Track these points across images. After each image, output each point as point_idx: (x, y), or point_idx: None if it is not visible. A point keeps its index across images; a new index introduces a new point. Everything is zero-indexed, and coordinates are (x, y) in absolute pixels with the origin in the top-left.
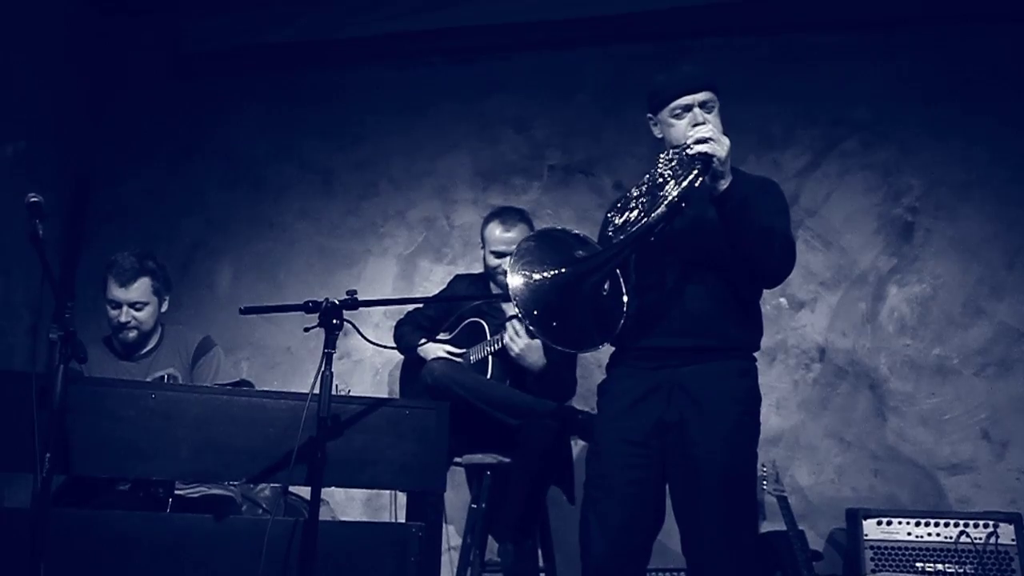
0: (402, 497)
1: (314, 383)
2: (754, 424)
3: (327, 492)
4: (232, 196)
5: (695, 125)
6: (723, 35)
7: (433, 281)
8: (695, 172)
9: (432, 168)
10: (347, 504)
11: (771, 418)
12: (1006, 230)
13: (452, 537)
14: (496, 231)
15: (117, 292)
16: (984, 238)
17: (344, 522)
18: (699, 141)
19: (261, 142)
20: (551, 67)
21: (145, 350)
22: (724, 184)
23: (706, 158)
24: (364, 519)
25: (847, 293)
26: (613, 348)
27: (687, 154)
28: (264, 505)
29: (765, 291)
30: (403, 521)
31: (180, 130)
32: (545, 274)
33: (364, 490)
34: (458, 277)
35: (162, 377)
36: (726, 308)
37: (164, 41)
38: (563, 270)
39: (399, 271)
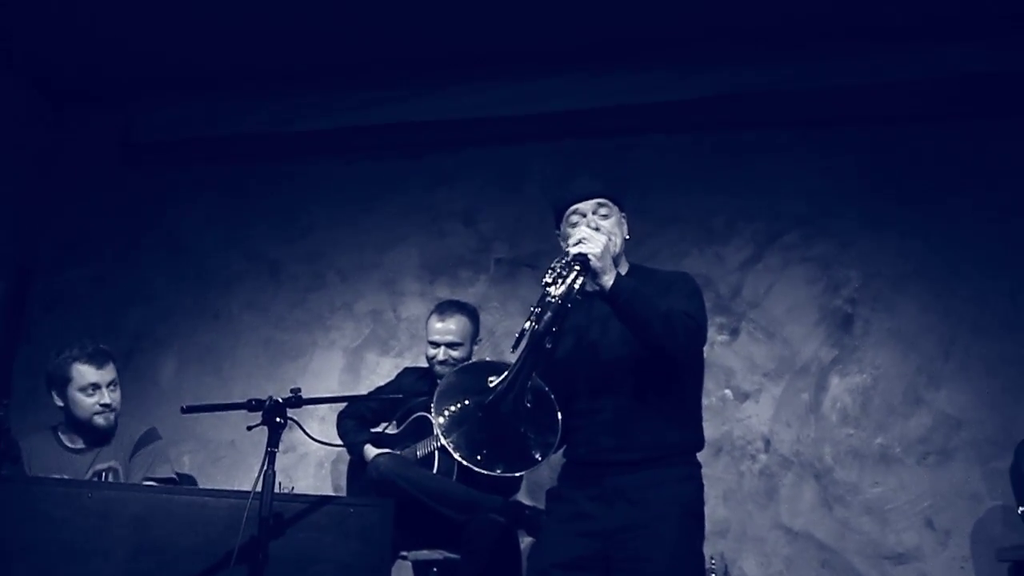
0: None
1: (256, 481)
2: (698, 526)
3: None
4: (178, 286)
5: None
6: (665, 132)
7: (380, 374)
8: (575, 272)
9: (380, 261)
10: None
11: (718, 510)
12: (941, 320)
13: None
14: (433, 322)
15: (95, 375)
16: (921, 329)
17: None
18: (576, 243)
19: (208, 233)
20: (498, 162)
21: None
22: (608, 279)
23: (582, 257)
24: None
25: (790, 384)
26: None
27: (567, 258)
28: None
29: (709, 383)
30: None
31: (126, 219)
32: (460, 407)
33: None
34: (406, 370)
35: (102, 471)
36: (655, 415)
37: (113, 130)
38: (476, 400)
39: (346, 363)
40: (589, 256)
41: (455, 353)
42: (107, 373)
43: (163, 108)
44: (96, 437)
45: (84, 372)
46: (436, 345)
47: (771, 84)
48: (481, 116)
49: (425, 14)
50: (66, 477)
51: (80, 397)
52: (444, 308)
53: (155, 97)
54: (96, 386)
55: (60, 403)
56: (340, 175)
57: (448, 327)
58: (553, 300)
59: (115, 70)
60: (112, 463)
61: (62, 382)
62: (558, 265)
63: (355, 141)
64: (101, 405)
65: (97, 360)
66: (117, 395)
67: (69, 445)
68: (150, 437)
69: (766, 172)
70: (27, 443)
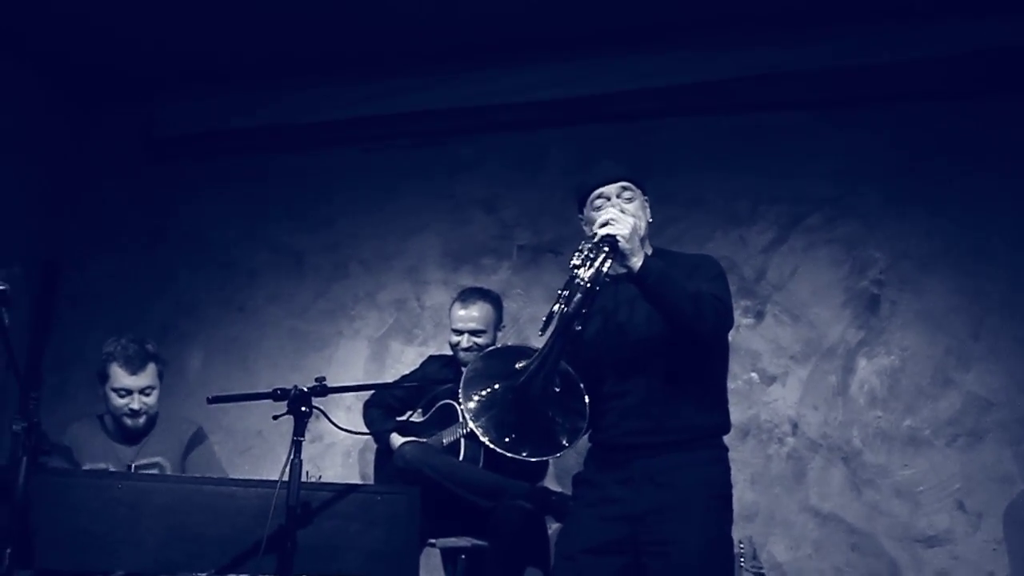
0: None
1: (283, 470)
2: (727, 509)
3: None
4: (202, 279)
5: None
6: (687, 115)
7: (404, 363)
8: (603, 255)
9: (402, 250)
10: None
11: (746, 494)
12: (970, 301)
13: None
14: (456, 310)
15: (127, 380)
16: (949, 309)
17: None
18: (603, 225)
19: (231, 225)
20: (519, 148)
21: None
22: (636, 261)
23: (611, 239)
24: None
25: (817, 366)
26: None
27: (594, 240)
28: None
29: (735, 367)
30: None
31: (150, 214)
32: (489, 392)
33: None
34: (431, 358)
35: (147, 466)
36: (683, 398)
37: (135, 126)
38: (505, 384)
39: (370, 353)
40: (618, 237)
41: (479, 340)
42: (141, 379)
43: (184, 102)
44: (135, 432)
45: (118, 375)
46: (459, 332)
47: (794, 64)
48: (501, 103)
49: (443, 1)
50: (110, 468)
51: (113, 396)
52: (467, 295)
53: (176, 92)
54: (127, 391)
55: (101, 394)
56: (361, 165)
57: (471, 314)
58: (582, 283)
59: (136, 67)
60: (158, 459)
61: (101, 377)
62: (586, 247)
63: (375, 130)
64: (129, 409)
65: (132, 365)
66: (151, 399)
67: (115, 435)
68: (200, 437)
69: (790, 153)
70: (73, 430)
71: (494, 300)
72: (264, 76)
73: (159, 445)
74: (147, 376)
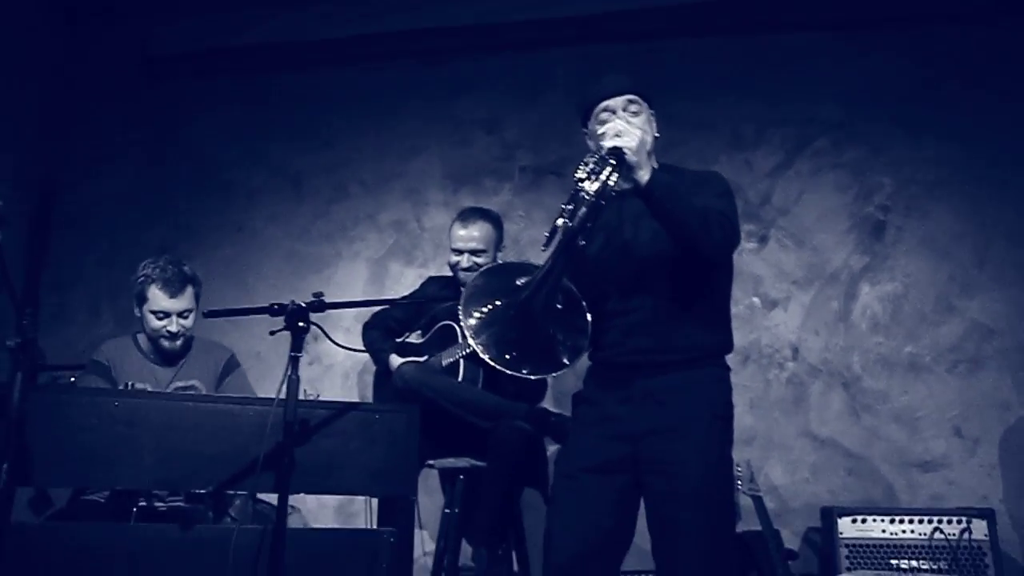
0: (376, 503)
1: (280, 387)
2: (727, 429)
3: (299, 499)
4: (200, 201)
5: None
6: (694, 36)
7: (404, 284)
8: (609, 167)
9: (402, 171)
10: (319, 511)
11: (745, 417)
12: (976, 228)
13: (426, 543)
14: (456, 229)
15: (166, 303)
16: (955, 236)
17: (313, 529)
18: (612, 137)
19: (229, 146)
20: (521, 68)
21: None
22: (643, 174)
23: (617, 152)
24: (336, 526)
25: (820, 292)
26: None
27: (601, 152)
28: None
29: (737, 291)
30: (375, 527)
31: (147, 135)
32: (490, 308)
33: (336, 497)
34: (430, 279)
35: (186, 387)
36: (688, 316)
37: (131, 45)
38: (506, 300)
39: (370, 275)
40: (625, 150)
41: (479, 260)
42: (179, 302)
43: (181, 21)
44: (170, 354)
45: (156, 297)
46: (459, 252)
47: None
48: (502, 21)
49: None
50: (148, 388)
51: (150, 318)
52: (466, 215)
53: (173, 10)
54: (166, 313)
55: (137, 315)
56: (361, 84)
57: (471, 234)
58: (587, 196)
59: None
60: (194, 382)
61: (138, 299)
62: (591, 160)
63: (375, 49)
64: (167, 331)
65: (171, 287)
66: (188, 322)
67: (150, 356)
68: (234, 363)
69: (798, 76)
70: (107, 349)
71: (494, 220)
72: None
73: (195, 368)
74: (185, 299)
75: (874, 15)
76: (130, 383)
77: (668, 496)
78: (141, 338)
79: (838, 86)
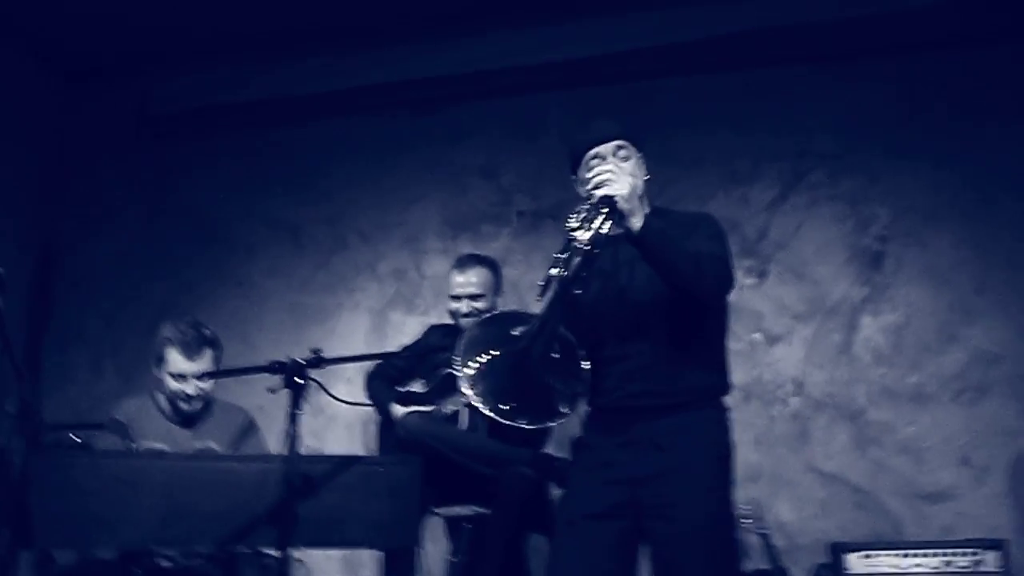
0: (382, 554)
1: (282, 444)
2: (728, 469)
3: (304, 552)
4: (200, 256)
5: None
6: (685, 74)
7: (406, 333)
8: (602, 216)
9: (401, 219)
10: (325, 563)
11: (750, 455)
12: (974, 254)
13: None
14: (454, 276)
15: (184, 365)
16: (954, 263)
17: None
18: (600, 185)
19: (228, 201)
20: (516, 113)
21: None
22: (636, 222)
23: (609, 200)
24: None
25: (821, 325)
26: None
27: (592, 201)
28: None
29: (738, 327)
30: None
31: (146, 192)
32: (487, 358)
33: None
34: (432, 328)
35: (201, 449)
36: (686, 359)
37: (127, 105)
38: (503, 350)
39: (371, 325)
40: (616, 197)
41: (478, 305)
42: (197, 364)
43: (177, 79)
44: (188, 416)
45: (175, 359)
46: (458, 299)
47: (793, 18)
48: (496, 67)
49: None
50: (165, 447)
51: (169, 380)
52: (463, 261)
53: (169, 69)
54: (184, 376)
55: (156, 376)
56: (357, 136)
57: (469, 279)
58: (580, 245)
59: (127, 44)
60: (210, 443)
61: (157, 360)
62: (583, 209)
63: (369, 100)
64: (186, 395)
65: (190, 351)
66: (207, 385)
67: (168, 415)
68: (253, 427)
69: (790, 110)
70: (126, 407)
71: (491, 265)
72: (257, 49)
73: (214, 430)
74: (204, 362)
75: (859, 46)
76: (146, 442)
77: (671, 539)
78: (160, 398)
79: (830, 118)
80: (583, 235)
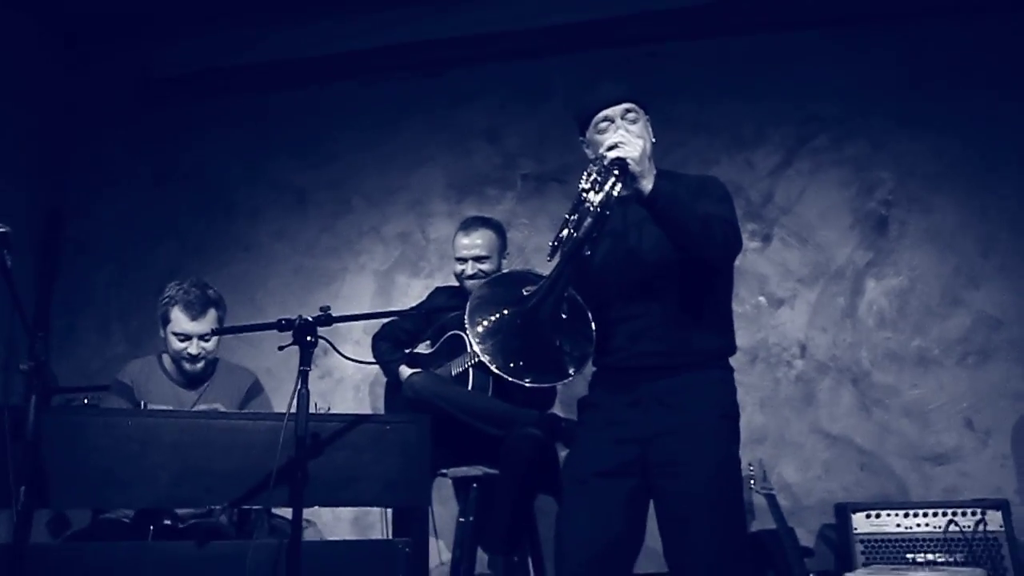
0: (391, 513)
1: (291, 402)
2: (734, 429)
3: (314, 512)
4: (205, 220)
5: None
6: (690, 38)
7: (411, 296)
8: (613, 178)
9: (405, 183)
10: (335, 524)
11: (755, 417)
12: (979, 219)
13: (442, 552)
14: (459, 239)
15: (187, 325)
16: (958, 228)
17: (328, 542)
18: (611, 148)
19: (232, 164)
20: (520, 76)
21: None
22: (646, 184)
23: (620, 162)
24: (352, 538)
25: (825, 289)
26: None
27: (604, 163)
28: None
29: (743, 291)
30: (391, 538)
31: (151, 156)
32: (496, 317)
33: (351, 509)
34: (438, 290)
35: (207, 410)
36: (692, 320)
37: (131, 68)
38: (512, 310)
39: (377, 287)
40: (628, 160)
41: (483, 266)
42: (200, 325)
43: (180, 42)
44: (194, 376)
45: (178, 319)
46: (464, 260)
47: None
48: (501, 30)
49: None
50: (171, 408)
51: (172, 340)
52: (468, 223)
53: (172, 31)
54: (187, 336)
55: (161, 336)
56: (361, 98)
57: (474, 241)
58: (592, 207)
59: (129, 7)
60: (217, 405)
61: (162, 320)
62: (594, 170)
63: (374, 62)
64: (188, 354)
65: (193, 310)
66: (210, 345)
67: (174, 377)
68: (257, 388)
69: (795, 75)
70: (132, 369)
71: (496, 227)
72: (260, 11)
73: (219, 391)
74: (207, 322)
75: (865, 11)
76: (151, 404)
77: (678, 496)
78: (166, 359)
79: (834, 83)
80: (595, 197)
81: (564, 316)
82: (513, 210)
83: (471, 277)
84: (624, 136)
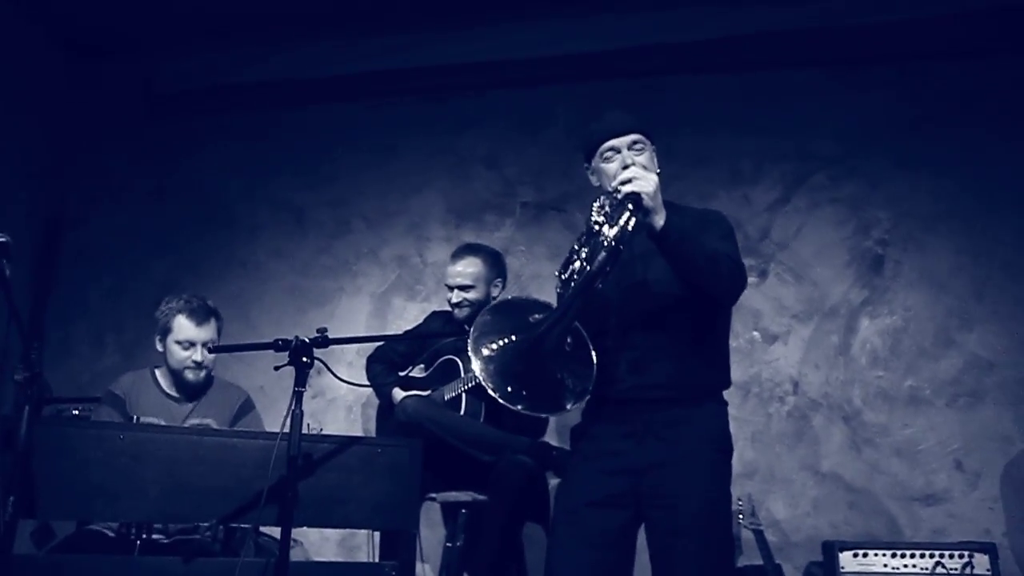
0: (378, 536)
1: (284, 422)
2: (727, 464)
3: (301, 532)
4: (204, 235)
5: (625, 168)
6: (692, 72)
7: (407, 319)
8: (627, 212)
9: (405, 206)
10: (321, 544)
11: (746, 451)
12: (973, 261)
13: None
14: (449, 266)
15: (193, 332)
16: (953, 269)
17: (316, 563)
18: (625, 182)
19: (233, 181)
20: (523, 105)
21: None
22: (659, 219)
23: (635, 197)
24: (339, 560)
25: (819, 326)
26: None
27: (617, 197)
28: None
29: (737, 326)
30: (377, 561)
31: (152, 170)
32: (502, 343)
33: (338, 530)
34: (433, 314)
35: (197, 425)
36: (691, 353)
37: (135, 82)
38: (519, 336)
39: (372, 309)
40: (643, 195)
41: (468, 295)
42: (204, 332)
43: (184, 58)
44: (190, 389)
45: (183, 326)
46: (450, 288)
47: (801, 22)
48: (504, 59)
49: None
50: (162, 423)
51: (175, 349)
52: (458, 251)
53: (177, 47)
54: (192, 343)
55: (160, 349)
56: (364, 121)
57: (457, 269)
58: (607, 241)
59: (136, 22)
60: (208, 420)
61: (163, 331)
62: (606, 203)
63: (379, 86)
64: (193, 361)
65: (197, 317)
66: (211, 359)
67: (167, 391)
68: (249, 406)
69: (794, 112)
70: (125, 382)
71: (486, 255)
72: (266, 30)
73: (211, 407)
74: (210, 329)
75: (866, 53)
76: (143, 416)
77: (669, 529)
78: (160, 373)
79: (833, 122)
80: (609, 231)
81: (567, 348)
82: (512, 237)
83: (456, 305)
84: (637, 171)
